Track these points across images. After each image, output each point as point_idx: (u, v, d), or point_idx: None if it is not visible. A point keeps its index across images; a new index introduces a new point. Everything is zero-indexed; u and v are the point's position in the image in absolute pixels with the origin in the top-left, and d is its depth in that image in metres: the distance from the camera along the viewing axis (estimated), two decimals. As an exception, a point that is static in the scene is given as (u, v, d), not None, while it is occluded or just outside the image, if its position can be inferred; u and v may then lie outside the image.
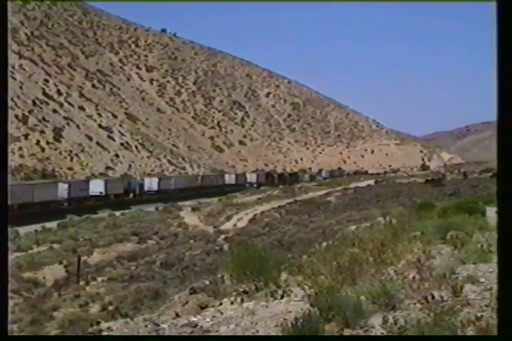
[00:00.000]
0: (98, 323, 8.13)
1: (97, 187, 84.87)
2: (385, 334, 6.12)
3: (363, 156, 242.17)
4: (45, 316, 29.07)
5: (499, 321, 4.01)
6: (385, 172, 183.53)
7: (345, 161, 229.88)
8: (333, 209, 67.50)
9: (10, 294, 33.00)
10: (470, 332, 5.85)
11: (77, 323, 24.67)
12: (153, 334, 7.12)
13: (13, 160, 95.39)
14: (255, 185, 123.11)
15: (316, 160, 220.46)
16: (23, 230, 55.52)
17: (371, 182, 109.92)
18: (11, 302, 31.65)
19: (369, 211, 52.91)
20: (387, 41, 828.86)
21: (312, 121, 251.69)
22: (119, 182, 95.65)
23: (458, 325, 5.92)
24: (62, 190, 76.88)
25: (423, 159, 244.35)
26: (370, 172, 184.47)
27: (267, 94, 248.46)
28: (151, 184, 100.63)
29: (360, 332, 6.64)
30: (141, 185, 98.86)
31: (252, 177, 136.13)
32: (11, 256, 42.80)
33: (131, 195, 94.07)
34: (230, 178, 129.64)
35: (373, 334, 6.56)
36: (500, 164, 4.00)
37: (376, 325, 6.71)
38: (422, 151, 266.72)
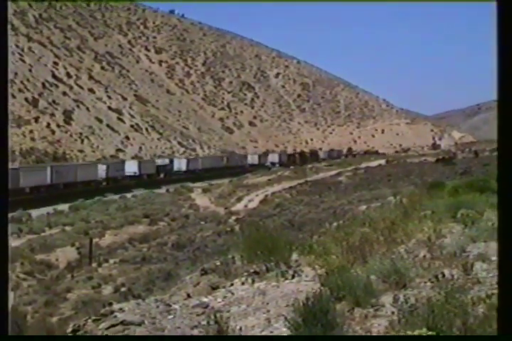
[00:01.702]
0: (110, 304, 8.18)
1: (131, 167, 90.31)
2: (396, 313, 6.13)
3: (373, 136, 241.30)
4: (59, 298, 29.31)
5: (499, 321, 4.01)
6: (396, 152, 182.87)
7: (355, 141, 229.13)
8: (343, 189, 67.45)
9: (23, 276, 33.30)
10: (480, 309, 5.86)
11: (90, 304, 24.84)
12: (165, 314, 7.16)
13: (24, 143, 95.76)
14: (277, 165, 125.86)
15: (327, 141, 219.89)
16: (35, 213, 55.89)
17: (382, 161, 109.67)
18: (24, 284, 31.94)
19: (380, 190, 52.83)
20: (397, 21, 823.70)
21: (322, 101, 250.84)
22: (151, 162, 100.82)
23: (468, 303, 5.93)
24: (101, 171, 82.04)
25: (434, 138, 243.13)
26: (380, 151, 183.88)
27: (277, 75, 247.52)
28: (180, 164, 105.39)
29: (371, 311, 6.66)
30: (171, 166, 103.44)
31: (274, 158, 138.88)
32: (23, 239, 43.15)
33: (161, 175, 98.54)
34: (253, 158, 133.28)
35: (384, 313, 6.58)
36: (500, 144, 3.98)
37: (387, 303, 6.73)
38: (432, 130, 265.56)
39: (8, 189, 4.36)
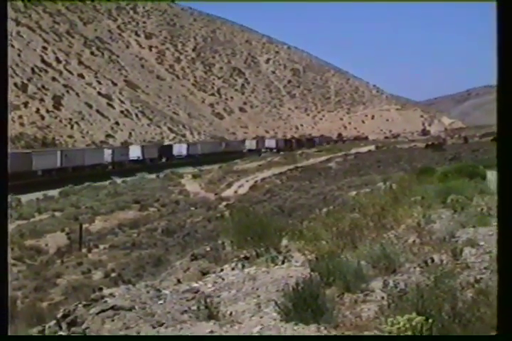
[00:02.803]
0: (100, 289, 8.17)
1: (135, 152, 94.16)
2: (385, 298, 6.15)
3: (363, 122, 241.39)
4: (49, 283, 29.25)
5: (499, 321, 4.02)
6: (386, 138, 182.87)
7: (345, 127, 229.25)
8: (333, 175, 67.49)
9: (13, 261, 33.23)
10: (469, 294, 5.89)
11: (80, 290, 24.83)
12: (155, 299, 7.16)
13: (13, 129, 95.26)
14: (274, 150, 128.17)
15: (317, 126, 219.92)
16: (24, 198, 55.69)
17: (372, 147, 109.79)
18: (14, 269, 31.87)
19: (370, 176, 52.88)
20: (388, 6, 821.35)
21: (312, 87, 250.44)
22: (154, 147, 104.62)
23: (457, 288, 5.96)
24: (107, 155, 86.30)
25: (423, 124, 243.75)
26: (370, 137, 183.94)
27: (267, 60, 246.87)
28: (181, 149, 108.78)
29: (361, 296, 6.69)
30: (172, 150, 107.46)
31: (271, 143, 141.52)
32: (13, 225, 43.01)
33: (163, 159, 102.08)
34: (250, 144, 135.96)
35: (373, 298, 6.61)
36: (500, 129, 3.98)
37: (376, 288, 6.75)
38: (422, 116, 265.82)
39: (7, 174, 4.33)
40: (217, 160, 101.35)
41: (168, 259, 27.67)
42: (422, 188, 14.95)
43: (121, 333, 6.37)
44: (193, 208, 51.34)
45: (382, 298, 6.29)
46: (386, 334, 5.28)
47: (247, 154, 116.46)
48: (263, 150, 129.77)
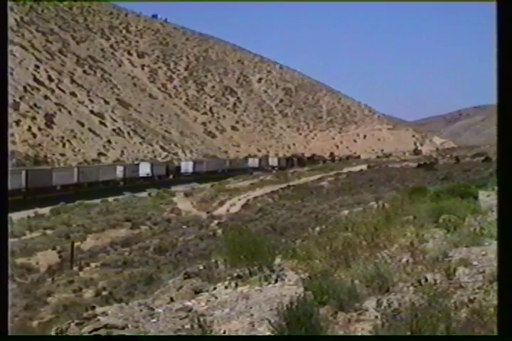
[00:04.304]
0: (93, 308, 8.14)
1: (145, 169, 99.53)
2: (379, 317, 6.15)
3: (355, 141, 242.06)
4: (39, 301, 29.05)
5: (499, 321, 4.02)
6: (378, 157, 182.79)
7: (337, 146, 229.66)
8: (325, 193, 67.53)
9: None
10: (463, 314, 5.90)
11: (71, 308, 24.68)
12: (148, 318, 7.14)
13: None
14: (276, 168, 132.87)
15: (309, 146, 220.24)
16: (15, 216, 55.43)
17: (364, 166, 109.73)
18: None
19: (362, 195, 52.95)
20: (379, 26, 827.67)
21: (304, 106, 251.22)
22: (163, 165, 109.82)
23: (451, 307, 5.96)
24: (119, 171, 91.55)
25: (415, 144, 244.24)
26: (362, 157, 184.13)
27: (259, 80, 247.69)
28: (187, 167, 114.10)
29: (354, 315, 6.67)
30: (179, 168, 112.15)
31: (273, 161, 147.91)
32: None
33: (171, 176, 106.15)
34: (253, 162, 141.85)
35: (367, 317, 6.60)
36: (500, 150, 4.00)
37: (370, 307, 6.74)
38: (414, 136, 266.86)
39: (7, 189, 4.34)
40: (222, 177, 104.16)
41: (159, 277, 27.54)
42: (414, 208, 14.94)
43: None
44: (185, 226, 51.25)
45: (376, 317, 6.28)
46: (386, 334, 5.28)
47: (250, 171, 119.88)
48: (268, 168, 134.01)
